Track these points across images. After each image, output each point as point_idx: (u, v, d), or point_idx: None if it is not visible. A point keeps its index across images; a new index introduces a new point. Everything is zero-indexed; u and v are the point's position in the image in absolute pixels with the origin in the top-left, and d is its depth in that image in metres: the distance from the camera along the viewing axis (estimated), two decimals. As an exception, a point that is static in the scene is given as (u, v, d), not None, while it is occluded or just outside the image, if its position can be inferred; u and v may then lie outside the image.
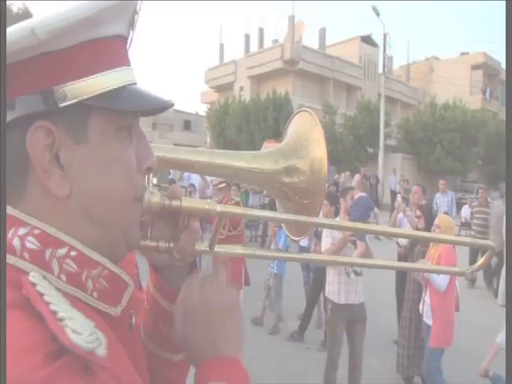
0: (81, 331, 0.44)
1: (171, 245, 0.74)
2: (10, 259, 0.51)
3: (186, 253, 0.75)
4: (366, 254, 4.03)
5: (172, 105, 0.64)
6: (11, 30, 0.50)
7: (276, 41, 30.79)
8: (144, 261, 0.80)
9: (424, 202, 5.91)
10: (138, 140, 0.63)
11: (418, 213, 4.86)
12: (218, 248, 0.80)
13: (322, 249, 4.18)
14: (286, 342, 5.36)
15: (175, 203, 0.71)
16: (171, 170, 10.67)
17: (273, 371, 4.64)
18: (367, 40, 31.26)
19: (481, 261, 1.08)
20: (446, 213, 8.78)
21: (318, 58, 28.08)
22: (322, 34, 30.41)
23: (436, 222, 4.14)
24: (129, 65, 0.61)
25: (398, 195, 9.01)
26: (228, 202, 5.65)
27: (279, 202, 0.96)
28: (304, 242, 6.10)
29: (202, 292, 0.69)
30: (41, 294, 0.46)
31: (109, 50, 0.57)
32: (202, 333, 0.68)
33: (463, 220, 12.02)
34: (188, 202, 0.73)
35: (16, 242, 0.52)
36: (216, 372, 0.63)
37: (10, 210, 0.53)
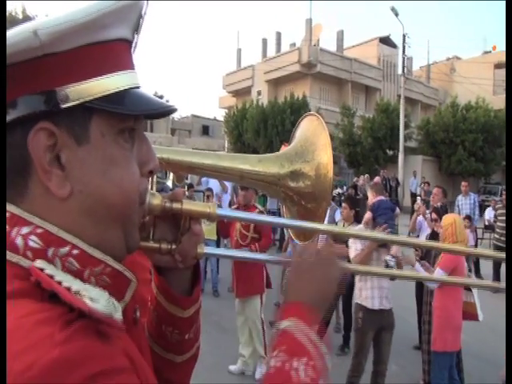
0: (98, 298, 0.46)
1: (173, 247, 0.74)
2: (13, 257, 0.52)
3: (188, 255, 0.75)
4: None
5: (174, 110, 0.64)
6: (14, 31, 0.51)
7: (293, 44, 30.76)
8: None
9: (439, 204, 5.78)
10: (140, 143, 0.63)
11: (434, 216, 4.76)
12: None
13: (351, 255, 4.03)
14: (304, 347, 5.31)
15: (176, 205, 0.72)
16: (189, 177, 10.75)
17: (290, 375, 4.60)
18: (386, 41, 30.89)
19: None
20: (468, 215, 8.58)
21: (336, 60, 27.90)
22: (340, 36, 30.24)
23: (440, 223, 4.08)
24: (133, 68, 0.62)
25: (418, 198, 8.84)
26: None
27: (285, 206, 0.96)
28: (321, 246, 6.04)
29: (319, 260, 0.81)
30: (50, 276, 0.48)
31: (112, 54, 0.58)
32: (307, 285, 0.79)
33: (487, 222, 11.69)
34: (189, 205, 0.73)
35: (19, 241, 0.53)
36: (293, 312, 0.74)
37: (13, 208, 0.54)
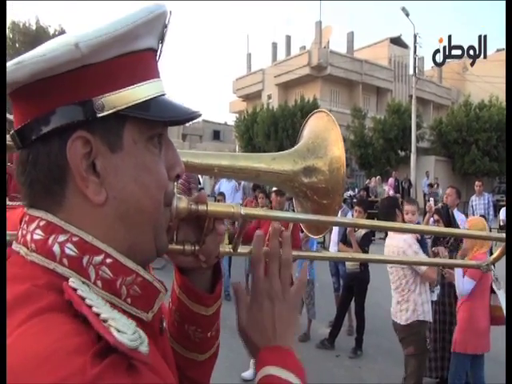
0: (124, 330, 0.46)
1: (196, 247, 0.77)
2: (50, 264, 0.54)
3: (211, 255, 0.78)
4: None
5: (199, 115, 0.66)
6: (55, 45, 0.53)
7: (303, 47, 30.80)
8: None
9: (440, 204, 5.76)
10: (166, 148, 0.66)
11: (436, 217, 4.72)
12: (241, 249, 0.84)
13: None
14: (316, 350, 5.29)
15: (202, 208, 0.74)
16: (202, 182, 10.87)
17: (304, 378, 4.60)
18: (397, 41, 30.69)
19: (496, 254, 1.07)
20: (482, 216, 8.47)
21: (346, 62, 27.85)
22: (350, 37, 30.22)
23: (465, 225, 4.03)
24: (159, 77, 0.64)
25: (431, 199, 8.80)
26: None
27: (297, 202, 0.97)
28: (333, 249, 6.05)
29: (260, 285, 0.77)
30: (82, 298, 0.48)
31: (142, 63, 0.60)
32: (257, 325, 0.75)
33: (501, 223, 11.52)
34: (214, 206, 0.76)
35: (56, 248, 0.54)
36: (272, 358, 0.70)
37: (50, 217, 0.56)
